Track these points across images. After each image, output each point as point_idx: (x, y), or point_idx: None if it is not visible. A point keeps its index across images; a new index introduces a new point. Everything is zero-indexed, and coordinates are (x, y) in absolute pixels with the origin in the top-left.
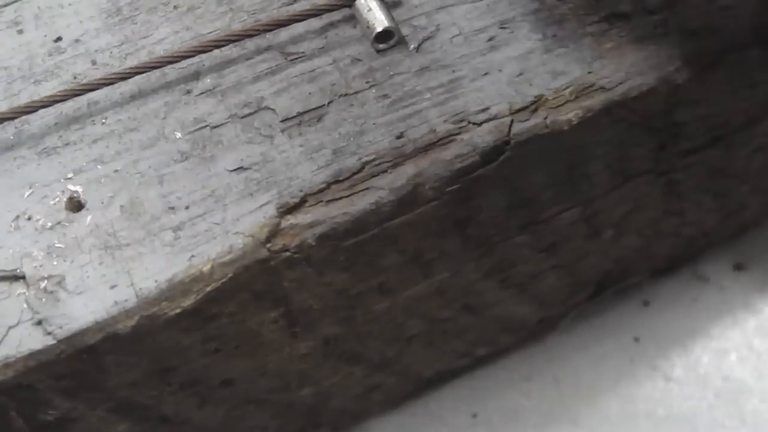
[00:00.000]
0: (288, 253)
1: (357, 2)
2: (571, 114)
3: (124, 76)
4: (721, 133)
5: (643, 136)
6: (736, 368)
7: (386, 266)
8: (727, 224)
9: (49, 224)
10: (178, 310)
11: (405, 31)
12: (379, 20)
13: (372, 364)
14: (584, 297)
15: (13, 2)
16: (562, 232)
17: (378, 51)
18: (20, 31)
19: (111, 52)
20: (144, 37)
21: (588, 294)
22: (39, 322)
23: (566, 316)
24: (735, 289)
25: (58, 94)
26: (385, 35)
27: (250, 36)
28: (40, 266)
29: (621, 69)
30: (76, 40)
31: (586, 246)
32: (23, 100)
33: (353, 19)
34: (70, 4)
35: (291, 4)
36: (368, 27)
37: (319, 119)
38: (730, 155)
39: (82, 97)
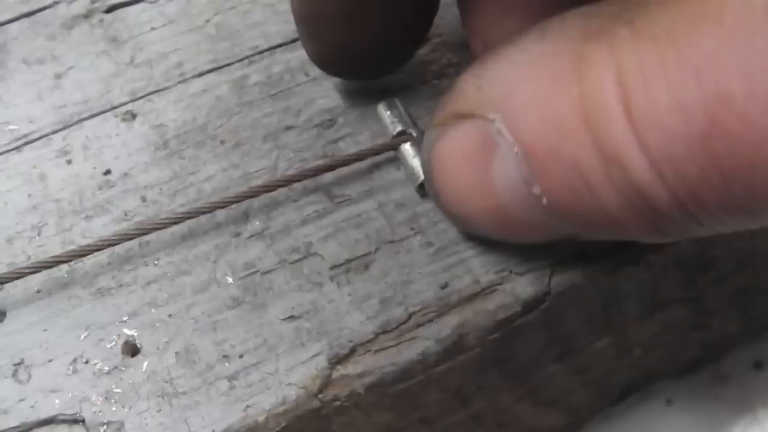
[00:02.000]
0: (338, 402)
1: (402, 147)
2: (608, 264)
3: (177, 220)
4: (749, 260)
5: (676, 273)
6: None
7: (428, 403)
8: (749, 328)
9: (107, 368)
10: None
11: None
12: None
13: None
14: (610, 402)
15: (61, 129)
16: (593, 356)
17: (422, 197)
18: (69, 162)
19: (160, 189)
20: (192, 173)
21: (613, 399)
22: None
23: (593, 418)
24: (755, 386)
25: (113, 237)
26: None
27: (299, 180)
28: (99, 412)
29: None
30: (125, 174)
31: (615, 364)
32: (75, 235)
33: (396, 160)
34: (117, 135)
35: (336, 142)
36: (413, 174)
37: (366, 267)
38: (757, 276)
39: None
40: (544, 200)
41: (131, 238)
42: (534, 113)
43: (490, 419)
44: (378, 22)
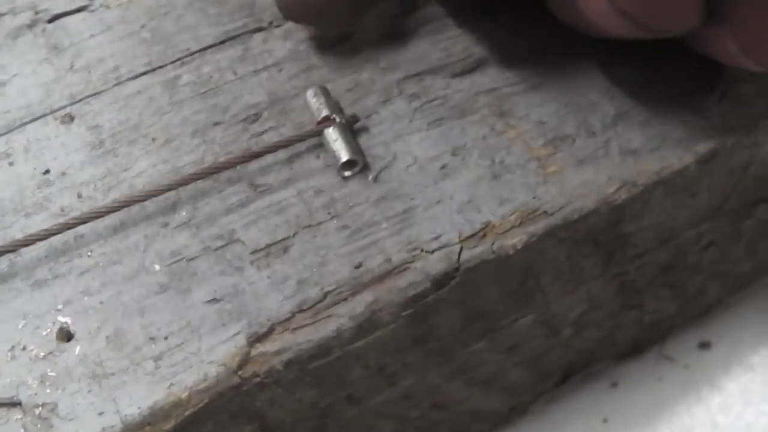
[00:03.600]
0: (258, 379)
1: (325, 131)
2: (516, 239)
3: (111, 210)
4: (669, 237)
5: (591, 249)
6: None
7: (352, 380)
8: (689, 308)
9: (42, 354)
10: None
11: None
12: (344, 149)
13: None
14: (552, 384)
15: (4, 133)
16: (520, 335)
17: (343, 178)
18: (11, 164)
19: (95, 185)
20: (125, 170)
21: (555, 381)
22: None
23: (536, 401)
24: (700, 367)
25: (53, 228)
26: (349, 164)
27: (226, 168)
28: (35, 394)
29: (563, 193)
30: (63, 173)
31: (547, 343)
32: (15, 231)
33: (316, 149)
34: (56, 136)
35: (260, 135)
36: (335, 156)
37: (285, 251)
38: (681, 253)
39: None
40: None
41: (70, 228)
42: None
43: (422, 399)
44: None
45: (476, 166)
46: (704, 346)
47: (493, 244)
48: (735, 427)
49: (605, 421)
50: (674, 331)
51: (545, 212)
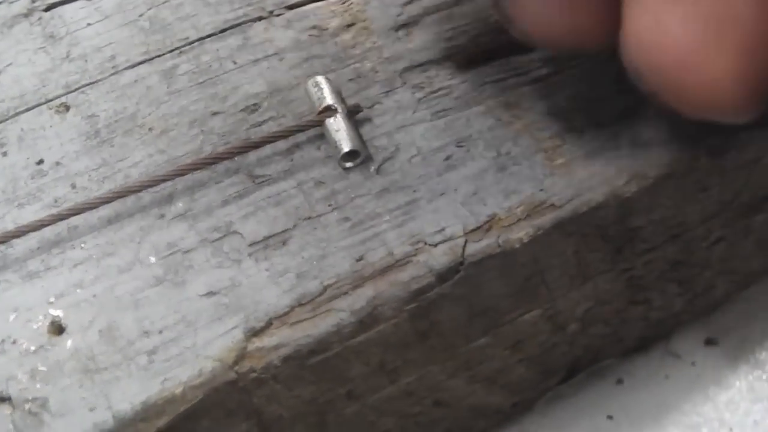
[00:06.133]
0: (255, 374)
1: (326, 122)
2: (522, 233)
3: (105, 200)
4: (678, 232)
5: (599, 243)
6: None
7: (352, 376)
8: (696, 304)
9: (33, 348)
10: (153, 430)
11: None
12: (346, 140)
13: None
14: (556, 381)
15: None
16: (525, 331)
17: (345, 169)
18: (5, 154)
19: (89, 176)
20: (120, 160)
21: (560, 378)
22: None
23: (541, 398)
24: (706, 364)
25: (46, 218)
26: (351, 155)
27: (224, 159)
28: (25, 389)
29: (571, 185)
30: (57, 163)
31: (552, 339)
32: (7, 222)
33: (317, 140)
34: (51, 126)
35: (260, 125)
36: (337, 146)
37: (284, 243)
38: (690, 249)
39: (62, 221)
40: None
41: (63, 218)
42: None
43: (424, 396)
44: None
45: (481, 157)
46: (711, 342)
47: (498, 237)
48: (742, 425)
49: (610, 418)
50: (681, 328)
51: (552, 205)
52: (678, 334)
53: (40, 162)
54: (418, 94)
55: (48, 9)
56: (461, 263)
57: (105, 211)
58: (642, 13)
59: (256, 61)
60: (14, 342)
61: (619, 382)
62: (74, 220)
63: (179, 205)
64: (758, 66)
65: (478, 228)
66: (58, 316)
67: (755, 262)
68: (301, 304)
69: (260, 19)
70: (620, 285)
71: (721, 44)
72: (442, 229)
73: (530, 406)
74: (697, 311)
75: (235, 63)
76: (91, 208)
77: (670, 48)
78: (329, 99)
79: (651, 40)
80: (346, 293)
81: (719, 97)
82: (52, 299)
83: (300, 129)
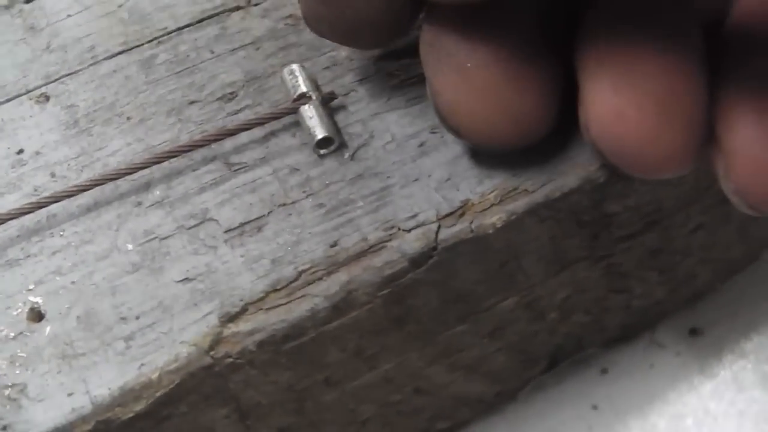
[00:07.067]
0: (231, 360)
1: (301, 109)
2: (495, 218)
3: (84, 189)
4: (655, 218)
5: (574, 229)
6: None
7: (329, 363)
8: (679, 293)
9: (12, 334)
10: (131, 414)
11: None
12: (320, 127)
13: None
14: (539, 370)
15: None
16: (503, 318)
17: (319, 156)
18: None
19: (68, 164)
20: (99, 149)
21: (543, 367)
22: (3, 428)
23: (524, 387)
24: (691, 353)
25: (25, 207)
26: (325, 141)
27: (201, 146)
28: (5, 375)
29: (544, 171)
30: (37, 153)
31: (531, 327)
32: None
33: (292, 128)
34: (31, 116)
35: (236, 113)
36: (311, 133)
37: (259, 229)
38: (669, 236)
39: (42, 209)
40: None
41: (43, 206)
42: None
43: (404, 383)
44: None
45: (455, 143)
46: (695, 332)
47: (471, 222)
48: (727, 414)
49: (595, 408)
50: (665, 318)
51: (525, 190)
52: (663, 324)
53: (20, 152)
54: (393, 82)
55: (29, 1)
56: (434, 248)
57: (83, 199)
58: (601, 102)
59: (233, 50)
60: None
61: (604, 371)
62: (53, 208)
63: (156, 193)
64: (697, 134)
65: (451, 213)
66: (37, 302)
67: (737, 250)
68: (275, 290)
69: (237, 8)
70: (598, 272)
71: (672, 121)
72: (416, 215)
73: (514, 396)
74: (680, 300)
75: (212, 52)
76: (69, 196)
77: (630, 132)
78: (304, 87)
79: (612, 126)
80: (320, 279)
81: (671, 165)
82: (31, 286)
83: (275, 117)
